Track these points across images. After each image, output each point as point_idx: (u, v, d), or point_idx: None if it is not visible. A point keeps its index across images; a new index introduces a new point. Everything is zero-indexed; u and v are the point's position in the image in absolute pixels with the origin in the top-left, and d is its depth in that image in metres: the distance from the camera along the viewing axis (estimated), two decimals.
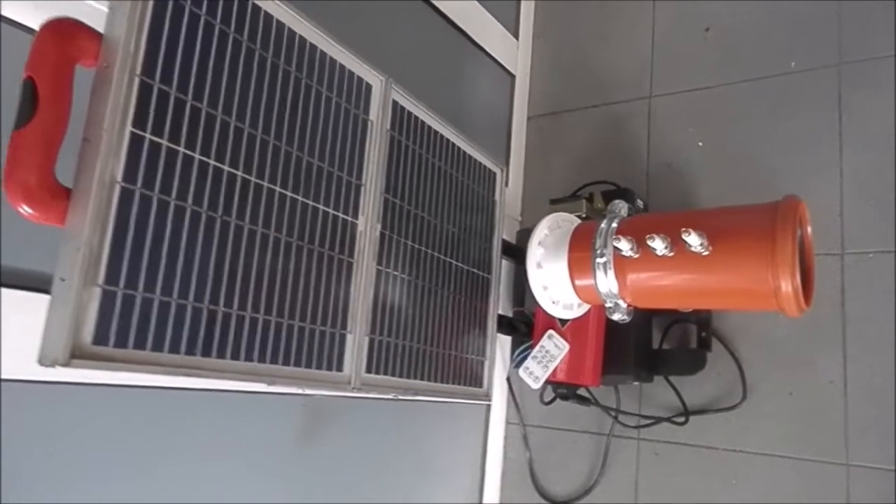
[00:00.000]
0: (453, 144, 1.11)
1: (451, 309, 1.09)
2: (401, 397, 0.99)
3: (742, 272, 0.89)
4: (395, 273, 0.97)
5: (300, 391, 0.86)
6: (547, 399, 1.32)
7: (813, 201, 0.95)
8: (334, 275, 0.86)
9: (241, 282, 0.73)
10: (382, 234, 0.94)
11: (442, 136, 1.08)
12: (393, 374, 0.96)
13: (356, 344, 0.89)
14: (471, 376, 1.14)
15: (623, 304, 1.01)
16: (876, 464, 1.12)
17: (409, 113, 1.01)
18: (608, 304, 1.02)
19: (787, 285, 0.85)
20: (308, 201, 0.83)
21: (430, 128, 1.06)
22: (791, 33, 1.36)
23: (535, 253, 1.06)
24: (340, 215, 0.88)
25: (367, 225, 0.91)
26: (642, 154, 1.49)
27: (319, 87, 0.85)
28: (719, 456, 1.27)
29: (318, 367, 0.83)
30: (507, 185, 1.29)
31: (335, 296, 0.86)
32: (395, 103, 0.98)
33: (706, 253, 0.89)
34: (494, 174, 1.23)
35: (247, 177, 0.75)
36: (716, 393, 1.29)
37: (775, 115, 1.34)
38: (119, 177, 0.61)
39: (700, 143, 1.41)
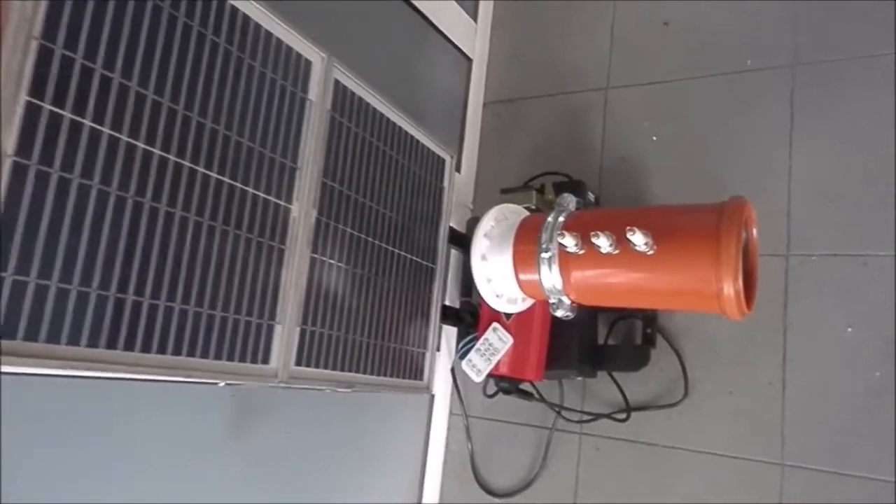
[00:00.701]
0: (400, 128, 1.07)
1: (392, 299, 1.05)
2: (337, 389, 0.96)
3: (686, 273, 0.88)
4: (332, 261, 0.93)
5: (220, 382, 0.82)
6: (490, 392, 1.30)
7: (761, 200, 0.94)
8: (263, 262, 0.81)
9: (155, 269, 0.68)
10: (318, 221, 0.90)
11: (387, 119, 1.04)
12: (326, 367, 0.92)
13: (285, 335, 0.84)
14: (411, 369, 1.11)
15: (567, 301, 0.99)
16: (809, 464, 1.13)
17: (353, 93, 0.96)
18: (552, 300, 0.99)
19: (730, 288, 0.84)
20: (235, 183, 0.77)
21: (374, 110, 1.01)
22: (749, 32, 1.35)
23: (480, 244, 1.03)
24: (272, 199, 0.83)
25: (302, 211, 0.86)
26: (597, 146, 1.47)
27: (252, 62, 0.80)
28: (659, 452, 1.27)
29: (242, 360, 0.79)
30: (459, 171, 1.25)
31: (263, 284, 0.81)
32: (336, 82, 0.93)
33: (651, 252, 0.87)
34: (443, 160, 1.19)
35: (165, 155, 0.69)
36: (658, 390, 1.29)
37: (729, 113, 1.33)
38: (10, 150, 0.56)
39: (654, 138, 1.40)
